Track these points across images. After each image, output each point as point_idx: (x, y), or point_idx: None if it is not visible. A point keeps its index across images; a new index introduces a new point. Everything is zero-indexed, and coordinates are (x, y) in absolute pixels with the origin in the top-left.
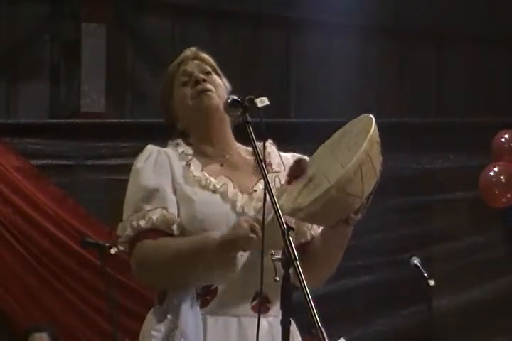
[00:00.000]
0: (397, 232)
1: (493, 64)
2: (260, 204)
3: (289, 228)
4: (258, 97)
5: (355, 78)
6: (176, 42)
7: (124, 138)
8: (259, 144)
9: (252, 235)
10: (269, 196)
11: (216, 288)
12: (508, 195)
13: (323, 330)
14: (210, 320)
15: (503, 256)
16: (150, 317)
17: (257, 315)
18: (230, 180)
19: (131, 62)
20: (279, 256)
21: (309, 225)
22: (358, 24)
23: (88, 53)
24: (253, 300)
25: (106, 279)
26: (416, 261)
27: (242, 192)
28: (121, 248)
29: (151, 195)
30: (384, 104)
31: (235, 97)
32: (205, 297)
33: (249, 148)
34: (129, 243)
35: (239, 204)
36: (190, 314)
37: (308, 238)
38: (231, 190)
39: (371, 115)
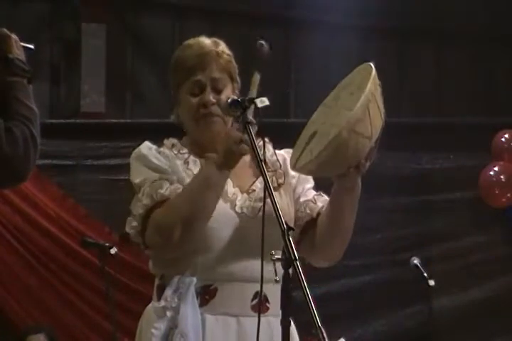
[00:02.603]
0: (397, 232)
1: (493, 64)
2: (259, 204)
3: (289, 228)
4: (258, 97)
5: None
6: (176, 42)
7: (124, 138)
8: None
9: (243, 136)
10: (269, 196)
11: (216, 288)
12: (508, 195)
13: (323, 330)
14: (210, 319)
15: (503, 256)
16: (148, 313)
17: (256, 314)
18: (229, 178)
19: (131, 62)
20: (279, 256)
21: (311, 206)
22: (358, 24)
23: (88, 53)
24: (252, 300)
25: (106, 279)
26: (416, 261)
27: (242, 191)
28: (131, 229)
29: (164, 173)
30: (384, 104)
31: (235, 97)
32: (205, 296)
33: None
34: (145, 214)
35: (238, 203)
36: (189, 313)
37: (314, 215)
38: (230, 188)
39: (367, 62)
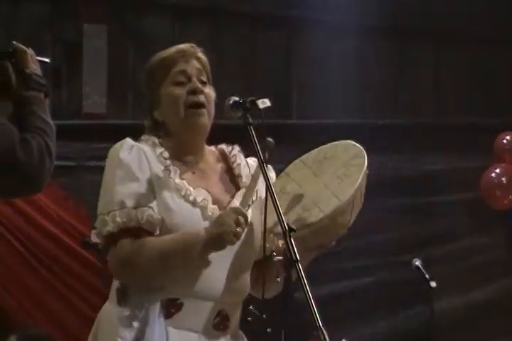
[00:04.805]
0: (398, 234)
1: (493, 64)
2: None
3: (290, 229)
4: (260, 98)
5: (355, 78)
6: (177, 43)
7: None
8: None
9: (238, 229)
10: (272, 201)
11: (182, 303)
12: (510, 197)
13: (324, 331)
14: (173, 332)
15: (504, 258)
16: (108, 315)
17: (217, 333)
18: (209, 193)
19: (132, 63)
20: (280, 257)
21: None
22: (358, 24)
23: (89, 54)
24: (215, 318)
25: (106, 280)
26: (418, 262)
27: (220, 209)
28: (96, 240)
29: (137, 191)
30: (384, 105)
31: (237, 98)
32: (170, 309)
33: (213, 149)
34: (109, 238)
35: None
36: (156, 326)
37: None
38: (210, 205)
39: (358, 145)
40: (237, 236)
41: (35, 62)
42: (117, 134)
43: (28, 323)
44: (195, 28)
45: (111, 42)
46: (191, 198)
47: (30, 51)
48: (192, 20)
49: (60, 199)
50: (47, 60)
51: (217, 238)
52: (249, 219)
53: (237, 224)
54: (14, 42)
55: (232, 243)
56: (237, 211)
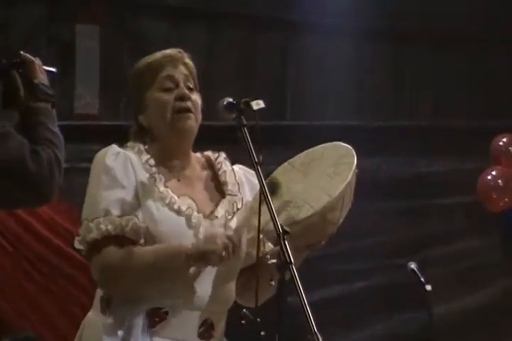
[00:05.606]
0: (393, 236)
1: (492, 65)
2: (221, 231)
3: (285, 232)
4: (254, 100)
5: (352, 80)
6: (173, 45)
7: (119, 141)
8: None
9: (224, 254)
10: (266, 204)
11: (166, 312)
12: (506, 199)
13: (319, 336)
14: None
15: (500, 261)
16: (93, 323)
17: None
18: (194, 201)
19: (126, 64)
20: (274, 260)
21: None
22: (355, 26)
23: (83, 55)
24: (200, 327)
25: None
26: (413, 265)
27: (205, 217)
28: (79, 246)
29: (122, 199)
30: (381, 107)
31: (230, 100)
32: (154, 318)
33: (199, 156)
34: (92, 246)
35: (201, 230)
36: (141, 335)
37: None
38: (195, 214)
39: (347, 145)
40: (221, 259)
41: (42, 71)
42: (110, 135)
43: (21, 326)
44: (192, 29)
45: (103, 43)
46: (176, 207)
47: (37, 61)
48: (189, 22)
49: (53, 202)
50: (54, 69)
51: (202, 254)
52: (243, 245)
53: (225, 248)
54: (22, 52)
55: (215, 264)
56: (230, 237)
